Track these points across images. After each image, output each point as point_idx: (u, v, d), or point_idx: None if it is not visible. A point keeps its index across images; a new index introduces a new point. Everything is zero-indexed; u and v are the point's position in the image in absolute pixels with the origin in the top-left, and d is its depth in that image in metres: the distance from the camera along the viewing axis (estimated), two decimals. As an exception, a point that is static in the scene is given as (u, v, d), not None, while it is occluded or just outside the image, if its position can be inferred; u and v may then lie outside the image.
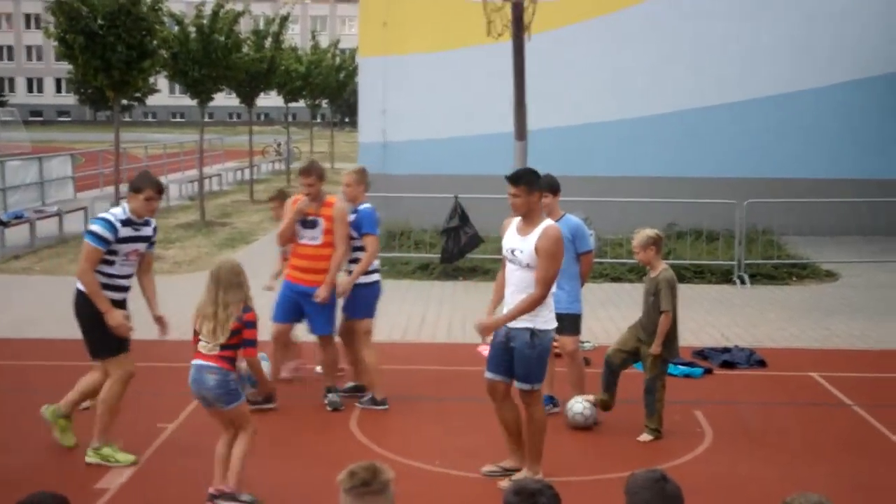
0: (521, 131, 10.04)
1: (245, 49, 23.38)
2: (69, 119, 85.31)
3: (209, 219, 20.97)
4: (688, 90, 19.07)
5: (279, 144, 40.28)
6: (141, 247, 7.03)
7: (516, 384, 6.55)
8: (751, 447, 7.42)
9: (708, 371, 9.52)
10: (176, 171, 30.50)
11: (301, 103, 37.05)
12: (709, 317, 11.97)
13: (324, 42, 42.15)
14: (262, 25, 26.68)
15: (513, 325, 6.39)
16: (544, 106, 17.37)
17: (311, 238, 8.00)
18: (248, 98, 26.26)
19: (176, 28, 20.04)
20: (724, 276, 14.47)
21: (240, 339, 6.06)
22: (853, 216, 18.27)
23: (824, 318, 12.02)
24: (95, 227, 6.80)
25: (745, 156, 18.94)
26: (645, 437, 7.48)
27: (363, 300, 8.23)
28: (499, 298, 6.71)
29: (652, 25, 19.03)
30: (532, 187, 6.42)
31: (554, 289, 6.44)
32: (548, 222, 6.50)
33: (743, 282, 14.25)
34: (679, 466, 6.86)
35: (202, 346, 6.06)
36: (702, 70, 19.02)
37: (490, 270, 14.28)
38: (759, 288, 13.98)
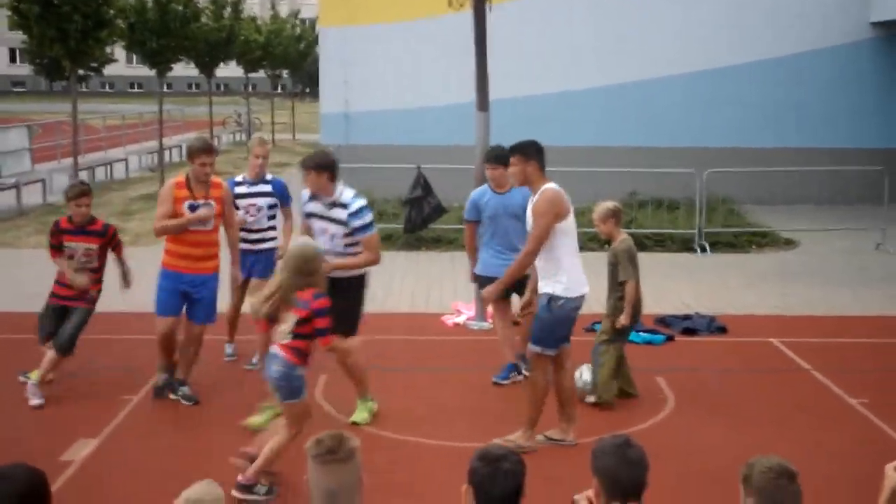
0: (482, 102, 10.01)
1: (203, 19, 23.11)
2: (24, 90, 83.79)
3: (169, 190, 20.74)
4: (648, 60, 19.13)
5: (240, 115, 39.93)
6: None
7: (528, 345, 6.65)
8: (712, 413, 7.53)
9: (669, 338, 9.63)
10: (135, 143, 30.13)
11: (261, 74, 36.75)
12: (670, 284, 12.09)
13: (283, 12, 41.74)
14: (220, -6, 26.39)
15: (539, 289, 6.61)
16: (506, 76, 17.35)
17: (204, 224, 7.48)
18: (207, 68, 26.01)
19: (133, -3, 19.75)
20: (685, 245, 14.60)
21: (311, 328, 5.81)
22: (811, 185, 18.48)
23: (784, 284, 12.18)
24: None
25: (706, 125, 19.07)
26: (589, 398, 7.56)
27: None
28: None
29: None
30: (527, 157, 6.59)
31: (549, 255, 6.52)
32: (547, 185, 6.58)
33: (704, 250, 14.39)
34: (641, 432, 6.94)
35: (279, 335, 5.84)
36: (661, 40, 19.09)
37: (454, 240, 14.30)
38: (719, 256, 14.14)
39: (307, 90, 70.70)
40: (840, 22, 19.23)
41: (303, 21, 42.43)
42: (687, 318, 10.21)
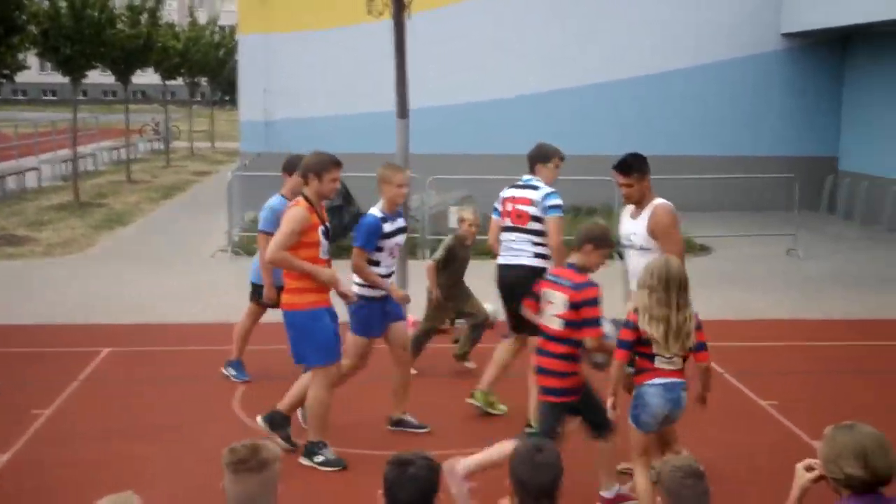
0: (402, 109, 10.04)
1: (120, 25, 22.67)
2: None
3: (84, 200, 20.35)
4: (570, 69, 19.40)
5: (157, 123, 39.31)
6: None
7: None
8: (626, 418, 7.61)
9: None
10: (48, 151, 29.46)
11: (179, 81, 36.22)
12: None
13: (202, 19, 41.22)
14: (137, 1, 25.93)
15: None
16: (426, 84, 17.41)
17: (328, 251, 6.61)
18: (123, 75, 25.46)
19: (46, 3, 19.31)
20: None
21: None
22: (724, 192, 18.91)
23: (698, 290, 12.36)
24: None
25: (622, 133, 19.36)
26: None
27: None
28: None
29: (528, 6, 19.28)
30: (643, 174, 6.36)
31: None
32: (657, 201, 6.32)
33: (621, 257, 14.56)
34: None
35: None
36: (583, 49, 19.38)
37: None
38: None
39: (227, 98, 69.95)
40: (752, 33, 19.73)
41: (222, 28, 41.92)
42: (604, 323, 10.32)
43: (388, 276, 7.03)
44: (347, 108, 18.87)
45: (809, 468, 3.55)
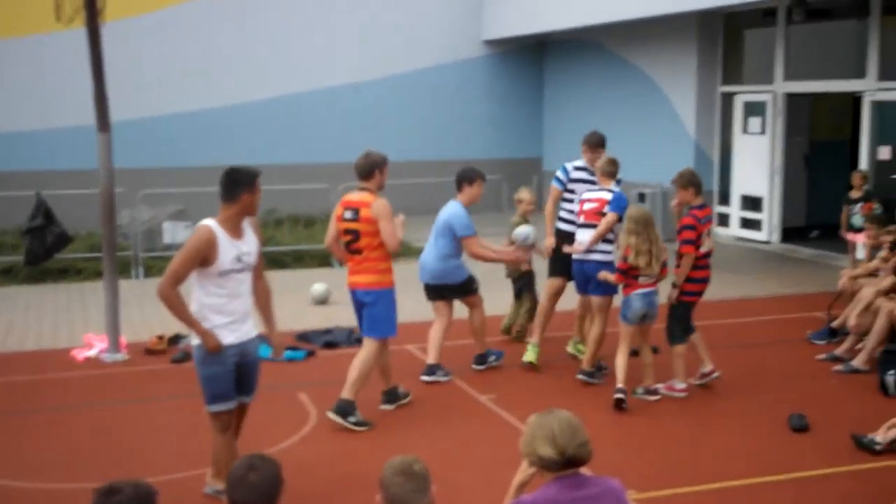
0: (103, 123, 9.51)
1: None
2: None
3: None
4: (282, 76, 19.33)
5: None
6: None
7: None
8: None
9: (311, 353, 9.71)
10: None
11: None
12: (311, 300, 12.20)
13: None
14: None
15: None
16: (129, 96, 16.78)
17: None
18: None
19: None
20: (324, 260, 14.82)
21: None
22: (438, 195, 19.41)
23: (415, 292, 12.64)
24: None
25: (339, 141, 19.54)
26: None
27: None
28: None
29: (232, 13, 19.03)
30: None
31: None
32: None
33: (341, 265, 14.63)
34: (286, 449, 6.95)
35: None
36: (296, 56, 19.36)
37: (83, 270, 13.54)
38: (357, 268, 14.41)
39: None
40: (457, 40, 20.49)
41: None
42: (327, 332, 10.35)
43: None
44: (43, 122, 17.82)
45: None
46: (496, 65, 20.91)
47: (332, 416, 7.44)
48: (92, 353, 9.67)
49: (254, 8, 19.19)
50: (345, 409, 7.42)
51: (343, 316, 11.26)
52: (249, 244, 5.85)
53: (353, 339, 10.10)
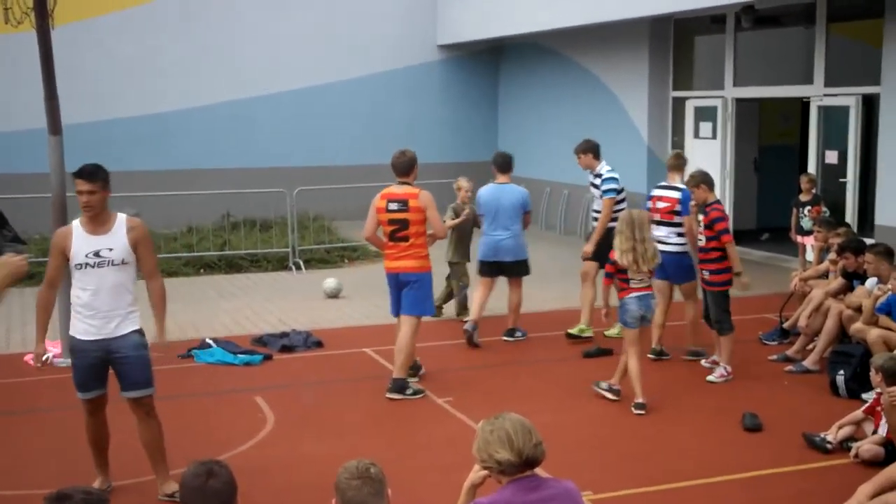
0: (54, 126, 9.40)
1: None
2: None
3: None
4: (237, 80, 19.22)
5: None
6: None
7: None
8: (311, 425, 7.67)
9: (268, 357, 9.68)
10: None
11: None
12: (268, 304, 12.16)
13: None
14: None
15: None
16: (81, 99, 16.60)
17: None
18: None
19: None
20: (281, 264, 14.77)
21: None
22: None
23: (374, 295, 12.66)
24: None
25: (294, 145, 19.49)
26: None
27: None
28: None
29: (184, 16, 18.91)
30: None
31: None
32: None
33: (298, 267, 14.63)
34: (242, 453, 6.92)
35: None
36: (250, 60, 19.26)
37: (36, 274, 13.34)
38: (314, 272, 14.40)
39: None
40: (412, 44, 20.51)
41: None
42: (284, 335, 10.31)
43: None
44: (2, 124, 17.55)
45: None
46: (451, 69, 20.97)
47: (390, 395, 8.17)
48: (45, 357, 9.52)
49: (238, 8, 19.06)
50: (400, 386, 8.20)
51: (300, 319, 11.25)
52: (114, 242, 5.97)
53: (309, 343, 10.10)
